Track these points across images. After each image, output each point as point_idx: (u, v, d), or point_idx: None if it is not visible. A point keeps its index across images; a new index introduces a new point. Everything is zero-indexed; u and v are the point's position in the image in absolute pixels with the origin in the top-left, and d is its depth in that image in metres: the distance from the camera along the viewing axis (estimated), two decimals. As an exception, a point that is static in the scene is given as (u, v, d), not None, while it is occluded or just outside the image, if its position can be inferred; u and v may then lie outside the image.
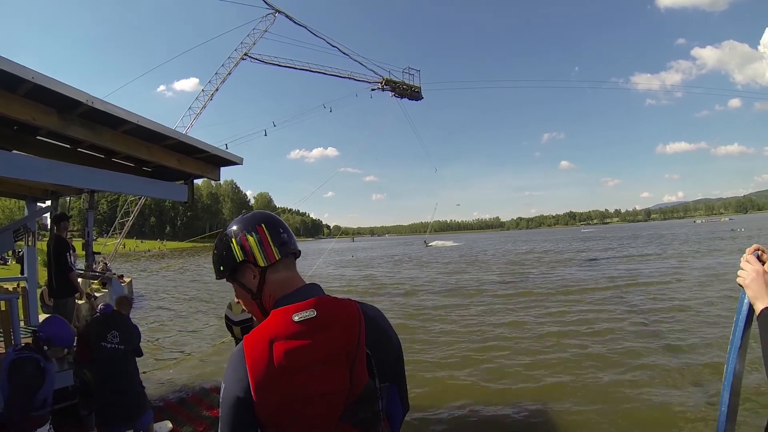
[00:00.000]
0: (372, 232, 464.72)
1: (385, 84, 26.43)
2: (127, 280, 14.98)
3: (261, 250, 1.17)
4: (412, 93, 27.22)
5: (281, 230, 1.21)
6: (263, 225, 1.20)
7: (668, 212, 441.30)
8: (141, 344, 3.86)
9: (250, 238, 1.18)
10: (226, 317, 4.01)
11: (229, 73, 26.15)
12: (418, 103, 28.65)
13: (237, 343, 3.73)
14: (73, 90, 2.74)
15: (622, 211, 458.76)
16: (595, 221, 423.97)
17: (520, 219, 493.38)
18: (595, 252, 33.86)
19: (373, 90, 26.93)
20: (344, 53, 26.95)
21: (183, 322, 11.95)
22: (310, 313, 1.09)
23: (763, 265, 1.27)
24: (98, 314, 4.05)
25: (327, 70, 27.10)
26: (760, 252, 1.31)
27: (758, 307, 1.19)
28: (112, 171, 3.81)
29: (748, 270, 1.25)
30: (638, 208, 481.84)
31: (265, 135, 29.03)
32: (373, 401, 1.12)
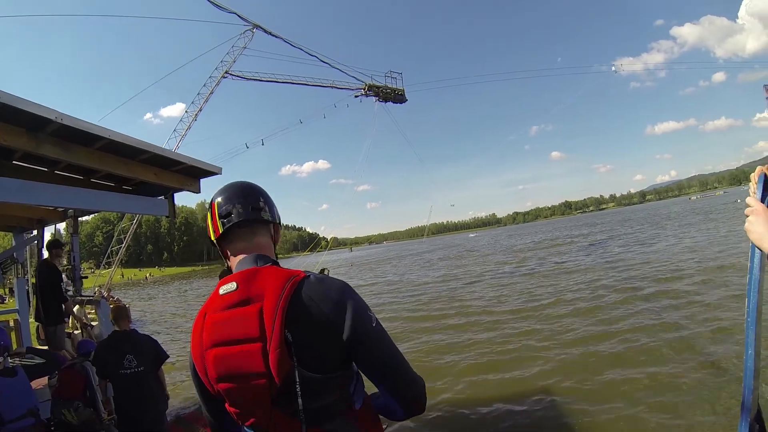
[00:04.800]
0: (370, 240, 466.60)
1: (368, 90, 26.67)
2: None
3: (211, 224, 1.20)
4: (396, 96, 27.47)
5: (229, 202, 1.18)
6: (216, 200, 1.20)
7: (663, 192, 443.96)
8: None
9: (207, 215, 1.23)
10: None
11: (212, 93, 26.31)
12: (404, 108, 28.96)
13: None
14: (40, 108, 2.73)
15: (617, 195, 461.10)
16: (591, 208, 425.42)
17: (516, 213, 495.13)
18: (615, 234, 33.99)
19: (356, 96, 27.16)
20: (324, 62, 27.16)
21: (182, 342, 11.86)
22: (231, 287, 1.05)
23: None
24: (100, 341, 3.90)
25: (309, 81, 27.31)
26: (767, 174, 1.22)
27: (766, 248, 1.10)
28: (89, 189, 3.82)
29: (749, 213, 1.17)
30: (633, 191, 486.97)
31: (247, 148, 29.44)
32: (290, 393, 0.99)
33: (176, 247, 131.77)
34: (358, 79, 27.10)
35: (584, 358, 6.37)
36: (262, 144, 31.70)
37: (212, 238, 1.21)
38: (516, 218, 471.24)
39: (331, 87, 27.42)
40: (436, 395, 5.59)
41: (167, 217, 4.56)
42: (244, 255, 1.15)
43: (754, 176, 1.24)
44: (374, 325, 1.06)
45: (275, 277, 1.03)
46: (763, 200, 1.19)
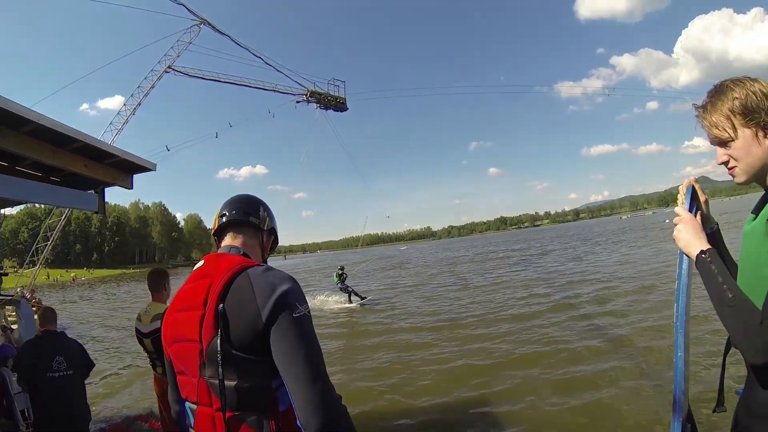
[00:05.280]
0: (304, 249, 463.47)
1: (310, 96, 26.46)
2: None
3: (213, 223, 1.46)
4: (337, 104, 27.33)
5: (225, 208, 1.43)
6: (223, 203, 1.47)
7: (596, 211, 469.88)
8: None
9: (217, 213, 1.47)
10: (136, 329, 3.61)
11: (152, 87, 25.22)
12: (345, 117, 29.01)
13: (150, 357, 3.61)
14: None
15: (552, 212, 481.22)
16: (526, 224, 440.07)
17: (452, 227, 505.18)
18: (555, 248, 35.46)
19: (298, 102, 26.89)
20: (268, 64, 26.76)
21: (112, 350, 11.23)
22: (200, 264, 1.27)
23: (697, 211, 1.32)
24: (24, 342, 3.62)
25: (251, 82, 26.80)
26: (694, 186, 1.34)
27: (694, 254, 1.19)
28: (13, 177, 3.67)
29: (677, 221, 1.27)
30: (567, 209, 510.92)
31: (168, 150, 28.56)
32: (213, 361, 1.08)
33: (107, 248, 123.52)
34: (301, 85, 26.85)
35: (519, 363, 6.52)
36: (216, 136, 30.91)
37: (214, 233, 1.45)
38: (451, 232, 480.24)
39: (273, 90, 27.00)
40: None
41: (96, 213, 4.43)
42: (226, 245, 1.37)
43: (683, 188, 1.35)
44: (297, 316, 1.08)
45: (231, 260, 1.21)
46: (690, 210, 1.30)
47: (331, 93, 26.98)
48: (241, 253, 1.31)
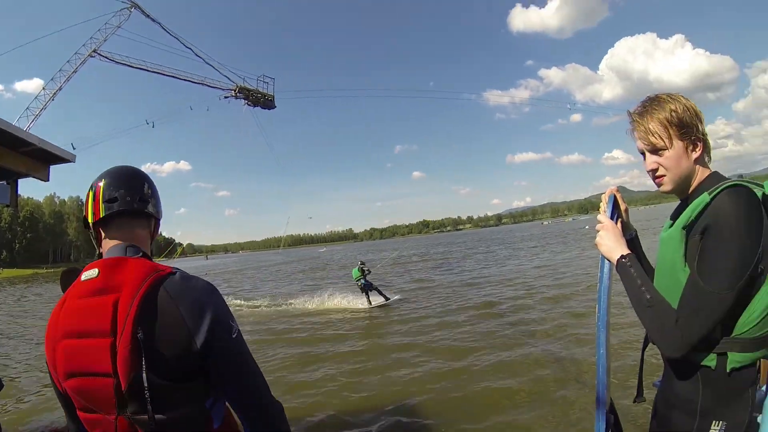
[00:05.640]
0: (226, 249, 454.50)
1: (238, 91, 25.84)
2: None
3: (92, 206, 1.10)
4: (265, 102, 26.85)
5: (116, 187, 1.10)
6: (101, 182, 1.11)
7: (518, 216, 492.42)
8: None
9: (89, 194, 1.12)
10: None
11: (75, 71, 23.36)
12: (272, 115, 28.75)
13: None
14: None
15: (475, 217, 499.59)
16: (448, 228, 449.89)
17: (374, 229, 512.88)
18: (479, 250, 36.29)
19: (226, 97, 26.21)
20: (198, 56, 25.77)
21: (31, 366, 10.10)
22: (93, 273, 0.98)
23: (618, 219, 1.39)
24: None
25: (180, 74, 25.71)
26: (616, 195, 1.40)
27: (615, 259, 1.27)
28: None
29: (599, 228, 1.34)
30: (490, 214, 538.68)
31: (72, 149, 26.75)
32: (138, 398, 0.91)
33: (17, 245, 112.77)
34: (230, 80, 26.18)
35: (442, 374, 6.38)
36: (153, 126, 29.27)
37: (89, 220, 1.12)
38: (373, 234, 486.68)
39: (202, 84, 26.18)
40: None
41: (8, 206, 4.08)
42: (117, 243, 1.09)
43: (605, 197, 1.41)
44: (234, 336, 1.01)
45: (139, 268, 0.97)
46: (611, 217, 1.37)
47: (260, 90, 26.42)
48: (141, 254, 1.08)
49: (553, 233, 56.88)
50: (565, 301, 10.54)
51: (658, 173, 1.27)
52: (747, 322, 1.11)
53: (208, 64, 25.81)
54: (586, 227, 59.98)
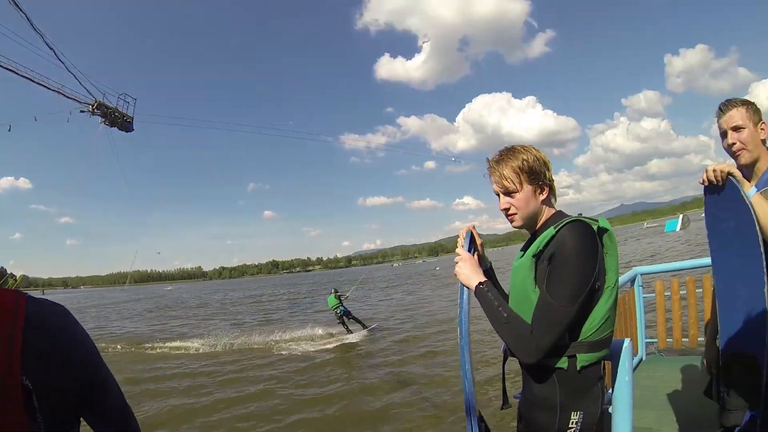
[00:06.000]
0: (66, 283, 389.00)
1: (96, 107, 23.27)
2: None
3: None
4: (123, 123, 24.19)
5: None
6: None
7: (368, 258, 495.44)
8: None
9: None
10: None
11: None
12: (128, 139, 26.41)
13: None
14: None
15: (324, 258, 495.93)
16: (297, 269, 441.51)
17: (223, 268, 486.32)
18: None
19: (82, 112, 23.43)
20: (60, 60, 22.51)
21: None
22: None
23: (475, 252, 1.53)
24: None
25: (36, 77, 22.05)
26: (473, 231, 1.55)
27: (473, 286, 1.40)
28: None
29: (458, 260, 1.48)
30: (339, 255, 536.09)
31: None
32: None
33: None
34: (90, 93, 23.53)
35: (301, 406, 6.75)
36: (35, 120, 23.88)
37: None
38: (222, 273, 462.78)
39: (58, 92, 22.81)
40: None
41: None
42: None
43: (463, 232, 1.54)
44: (104, 363, 0.87)
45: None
46: (469, 251, 1.50)
47: (120, 109, 24.35)
48: None
49: (404, 274, 58.08)
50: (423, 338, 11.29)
51: (510, 212, 1.44)
52: (590, 328, 1.30)
53: (68, 71, 22.30)
54: (437, 268, 61.07)
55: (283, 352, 11.01)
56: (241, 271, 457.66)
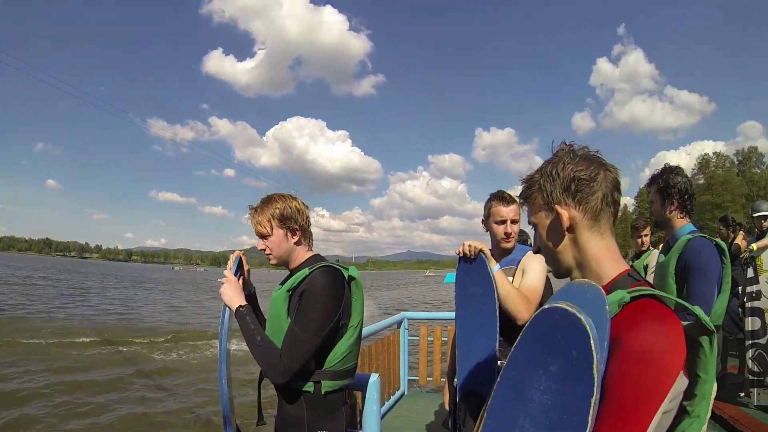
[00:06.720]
0: None
1: None
2: None
3: None
4: None
5: None
6: None
7: (150, 256, 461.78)
8: None
9: None
10: None
11: None
12: None
13: None
14: None
15: (104, 247, 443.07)
16: (73, 254, 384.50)
17: None
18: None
19: None
20: None
21: None
22: None
23: (241, 276, 1.66)
24: None
25: None
26: (242, 257, 1.68)
27: (234, 307, 1.52)
28: None
29: (224, 281, 1.59)
30: (120, 247, 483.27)
31: None
32: None
33: None
34: None
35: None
36: None
37: None
38: None
39: None
40: None
41: None
42: None
43: (233, 257, 1.67)
44: None
45: None
46: (235, 274, 1.62)
47: None
48: None
49: (182, 280, 55.33)
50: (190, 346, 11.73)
51: (266, 252, 1.59)
52: (333, 358, 1.47)
53: None
54: (219, 280, 59.20)
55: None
56: (7, 244, 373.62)
